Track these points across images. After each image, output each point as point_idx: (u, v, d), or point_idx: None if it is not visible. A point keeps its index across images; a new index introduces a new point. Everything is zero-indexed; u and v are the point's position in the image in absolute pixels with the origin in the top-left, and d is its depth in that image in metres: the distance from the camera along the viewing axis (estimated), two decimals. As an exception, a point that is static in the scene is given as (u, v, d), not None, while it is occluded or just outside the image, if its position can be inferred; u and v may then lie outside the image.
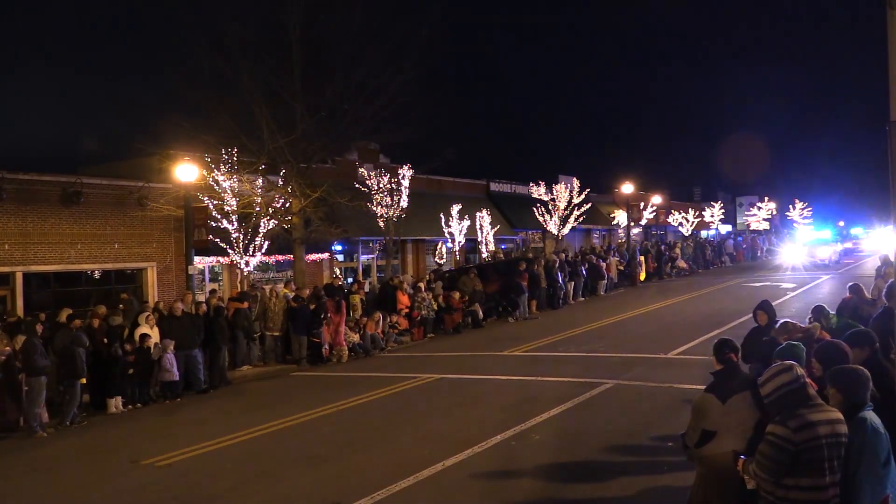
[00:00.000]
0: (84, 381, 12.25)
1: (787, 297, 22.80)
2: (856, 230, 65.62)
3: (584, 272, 26.93)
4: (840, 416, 4.09)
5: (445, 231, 26.95)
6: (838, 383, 4.26)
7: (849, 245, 51.05)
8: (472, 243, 29.27)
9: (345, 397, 12.69)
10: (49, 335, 12.73)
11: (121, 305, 15.58)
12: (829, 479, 3.98)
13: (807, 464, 3.96)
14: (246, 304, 16.47)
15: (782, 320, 7.56)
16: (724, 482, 4.74)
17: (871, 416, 4.11)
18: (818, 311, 8.41)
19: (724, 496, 4.81)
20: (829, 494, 3.98)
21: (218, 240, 17.94)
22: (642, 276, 31.82)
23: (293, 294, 17.36)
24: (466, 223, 27.24)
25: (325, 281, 21.55)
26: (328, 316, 17.15)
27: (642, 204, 42.16)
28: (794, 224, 60.27)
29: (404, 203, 23.29)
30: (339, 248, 25.01)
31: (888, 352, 5.74)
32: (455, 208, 26.94)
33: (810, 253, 37.60)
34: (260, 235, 18.32)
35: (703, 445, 5.00)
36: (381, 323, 18.64)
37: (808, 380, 4.29)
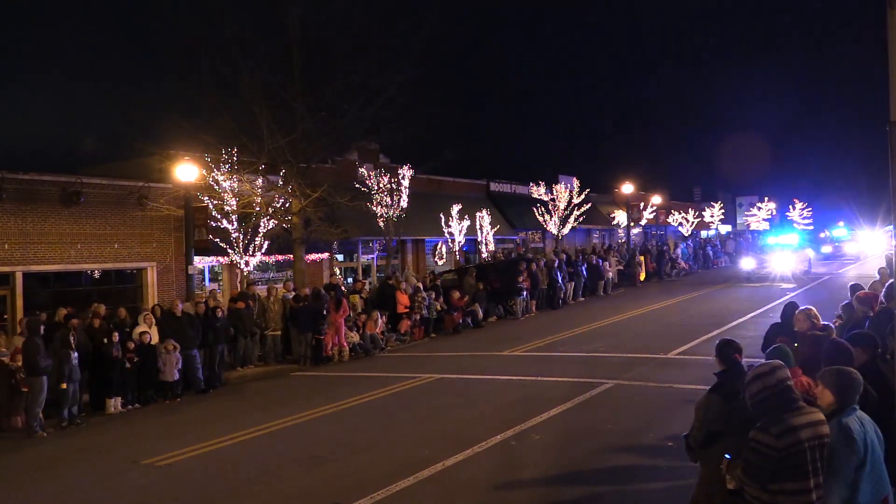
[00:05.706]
0: (64, 385, 12.04)
1: (787, 297, 22.77)
2: (838, 231, 57.67)
3: (584, 272, 26.96)
4: (822, 417, 4.09)
5: (445, 231, 26.94)
6: (833, 385, 4.23)
7: (828, 249, 47.29)
8: (472, 243, 29.26)
9: (345, 397, 12.69)
10: (48, 335, 12.71)
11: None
12: (814, 482, 3.98)
13: (791, 469, 3.96)
14: (245, 304, 16.47)
15: (805, 307, 7.17)
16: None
17: (849, 420, 4.10)
18: (846, 309, 8.29)
19: (728, 497, 4.79)
20: (814, 497, 3.98)
21: (218, 240, 17.94)
22: (642, 277, 31.84)
23: (292, 294, 17.35)
24: (466, 223, 27.23)
25: (325, 281, 21.55)
26: (328, 313, 17.14)
27: (642, 204, 42.17)
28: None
29: (404, 203, 23.29)
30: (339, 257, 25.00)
31: (884, 353, 5.74)
32: (455, 208, 26.94)
33: (760, 263, 31.53)
34: (260, 235, 18.32)
35: (708, 446, 4.98)
36: (379, 322, 18.64)
37: (792, 382, 4.27)
